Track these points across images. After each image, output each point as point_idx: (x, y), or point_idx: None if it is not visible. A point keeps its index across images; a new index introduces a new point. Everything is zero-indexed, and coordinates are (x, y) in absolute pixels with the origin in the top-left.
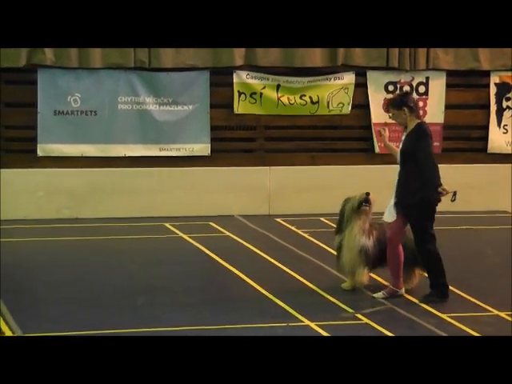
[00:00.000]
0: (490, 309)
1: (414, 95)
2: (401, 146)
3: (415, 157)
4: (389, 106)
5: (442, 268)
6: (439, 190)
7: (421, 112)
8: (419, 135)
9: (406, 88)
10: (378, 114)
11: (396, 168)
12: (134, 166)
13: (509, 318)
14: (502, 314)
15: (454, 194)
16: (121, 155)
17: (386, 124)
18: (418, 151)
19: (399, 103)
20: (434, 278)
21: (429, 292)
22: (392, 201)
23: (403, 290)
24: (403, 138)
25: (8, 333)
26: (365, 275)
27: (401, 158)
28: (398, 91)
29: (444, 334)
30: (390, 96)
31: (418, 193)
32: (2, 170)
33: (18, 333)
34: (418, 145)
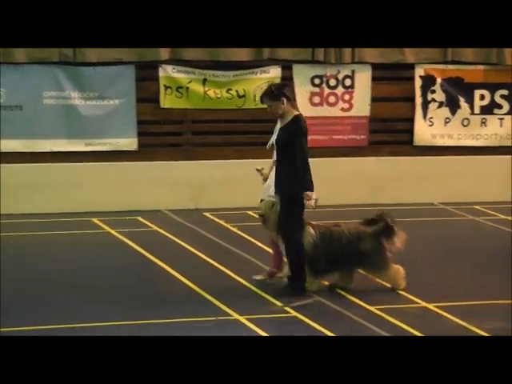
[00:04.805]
0: (418, 300)
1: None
2: (275, 137)
3: (292, 149)
4: (264, 97)
5: (304, 261)
6: (303, 195)
7: (346, 105)
8: (297, 130)
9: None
10: (304, 108)
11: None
12: (60, 161)
13: (436, 310)
14: (430, 306)
15: (316, 201)
16: (46, 150)
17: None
18: (295, 146)
19: (277, 94)
20: (295, 271)
21: (285, 284)
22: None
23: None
24: (277, 127)
25: None
26: None
27: (277, 149)
28: (324, 84)
29: (371, 326)
30: (317, 90)
31: (292, 182)
32: None
33: None
34: (295, 140)
